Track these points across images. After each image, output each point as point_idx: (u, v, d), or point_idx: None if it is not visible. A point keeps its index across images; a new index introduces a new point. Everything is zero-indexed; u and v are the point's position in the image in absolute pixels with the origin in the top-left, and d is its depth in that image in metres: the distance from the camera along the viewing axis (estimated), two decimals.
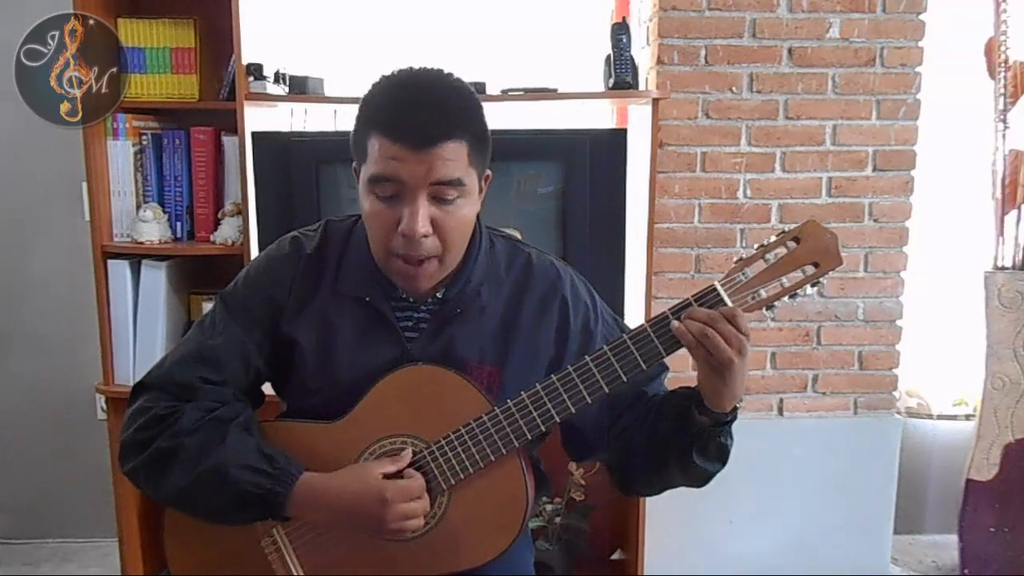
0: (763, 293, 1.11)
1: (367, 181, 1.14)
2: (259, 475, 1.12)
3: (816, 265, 1.11)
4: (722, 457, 1.18)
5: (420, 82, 1.14)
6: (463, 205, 1.15)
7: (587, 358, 1.14)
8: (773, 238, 1.12)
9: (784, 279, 1.11)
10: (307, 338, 1.22)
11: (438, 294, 1.24)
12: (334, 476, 1.15)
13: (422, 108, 1.11)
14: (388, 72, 1.17)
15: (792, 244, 1.11)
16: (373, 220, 1.16)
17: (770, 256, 1.11)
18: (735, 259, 1.13)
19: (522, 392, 1.15)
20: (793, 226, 1.13)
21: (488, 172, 1.22)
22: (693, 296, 1.11)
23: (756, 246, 1.13)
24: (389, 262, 1.17)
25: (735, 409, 1.14)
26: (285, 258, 1.26)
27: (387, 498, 1.11)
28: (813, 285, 1.12)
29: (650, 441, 1.21)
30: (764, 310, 1.12)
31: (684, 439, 1.16)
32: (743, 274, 1.11)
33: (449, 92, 1.14)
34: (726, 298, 1.10)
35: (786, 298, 1.12)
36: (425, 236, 1.13)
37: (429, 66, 1.17)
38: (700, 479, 1.22)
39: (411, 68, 1.16)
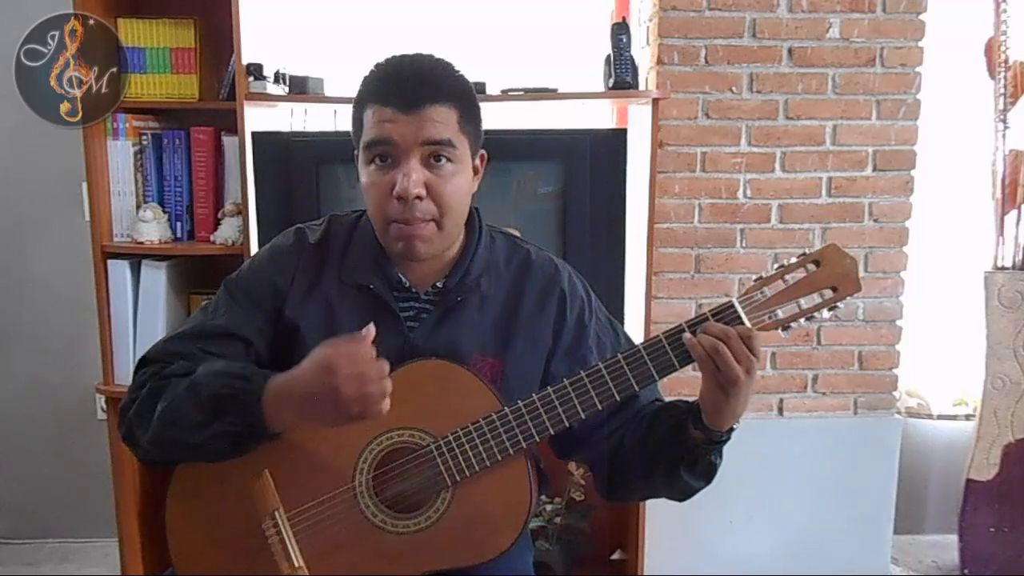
0: (780, 313, 1.12)
1: (363, 150, 1.19)
2: (231, 378, 1.13)
3: (834, 289, 1.12)
4: (709, 475, 1.20)
5: (407, 57, 1.21)
6: (457, 171, 1.19)
7: (600, 364, 1.15)
8: (793, 259, 1.13)
9: (801, 301, 1.12)
10: (310, 325, 1.24)
11: (439, 283, 1.26)
12: (296, 368, 1.12)
13: (410, 75, 1.17)
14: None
15: (812, 267, 1.12)
16: (370, 189, 1.19)
17: (789, 277, 1.12)
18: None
19: (533, 394, 1.16)
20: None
21: (483, 152, 1.26)
22: (710, 311, 1.12)
23: (776, 266, 1.14)
24: (388, 231, 1.20)
25: (731, 429, 1.15)
26: (289, 248, 1.29)
27: (332, 365, 1.05)
28: (830, 309, 1.12)
29: (641, 448, 1.22)
30: (780, 331, 1.13)
31: (675, 452, 1.17)
32: (761, 293, 1.12)
33: (435, 63, 1.20)
34: (743, 316, 1.11)
35: (802, 320, 1.13)
36: (419, 198, 1.16)
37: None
38: (683, 493, 1.23)
39: (410, 53, 1.22)
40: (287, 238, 1.31)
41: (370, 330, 1.09)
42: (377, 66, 1.21)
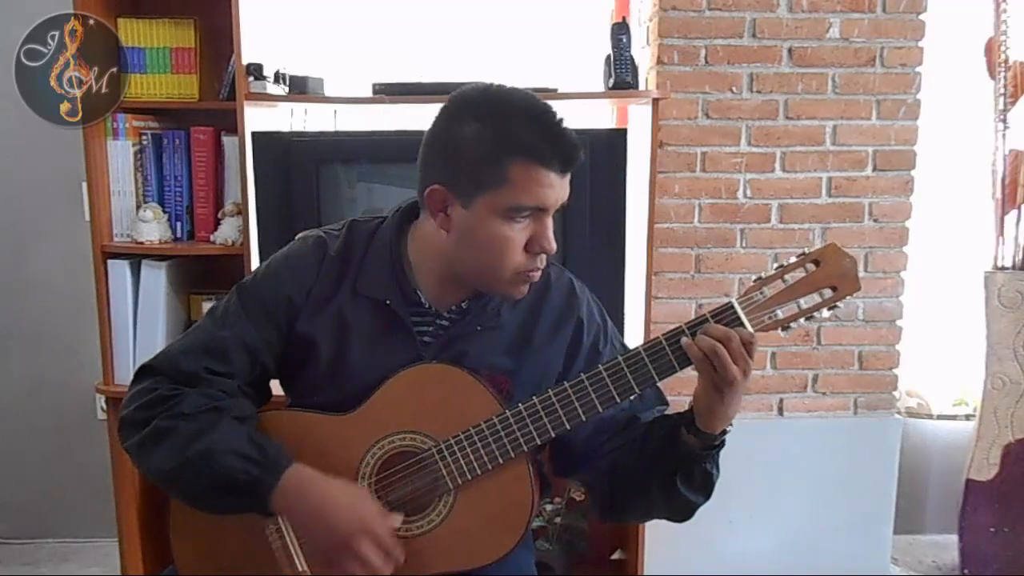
0: (780, 313, 1.11)
1: (508, 208, 1.11)
2: (247, 462, 1.12)
3: (834, 289, 1.11)
4: (706, 489, 1.19)
5: (550, 109, 1.13)
6: None
7: (600, 367, 1.14)
8: (793, 259, 1.13)
9: (801, 301, 1.12)
10: (324, 337, 1.22)
11: (462, 303, 1.25)
12: (328, 478, 1.14)
13: (566, 136, 1.12)
14: (497, 89, 1.16)
15: (811, 267, 1.12)
16: (506, 243, 1.13)
17: (788, 277, 1.12)
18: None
19: (534, 396, 1.15)
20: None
21: None
22: (710, 312, 1.12)
23: (775, 266, 1.13)
24: (513, 280, 1.17)
25: (724, 434, 1.15)
26: (307, 258, 1.25)
27: (369, 526, 1.11)
28: (830, 309, 1.12)
29: (637, 463, 1.21)
30: (780, 331, 1.13)
31: (670, 462, 1.17)
32: (761, 293, 1.11)
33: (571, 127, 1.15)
34: (743, 316, 1.10)
35: (802, 320, 1.12)
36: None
37: (515, 86, 1.18)
38: (682, 510, 1.22)
39: (519, 89, 1.16)
40: (306, 247, 1.26)
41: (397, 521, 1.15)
42: (526, 112, 1.13)
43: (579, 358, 1.27)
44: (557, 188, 1.12)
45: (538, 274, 1.18)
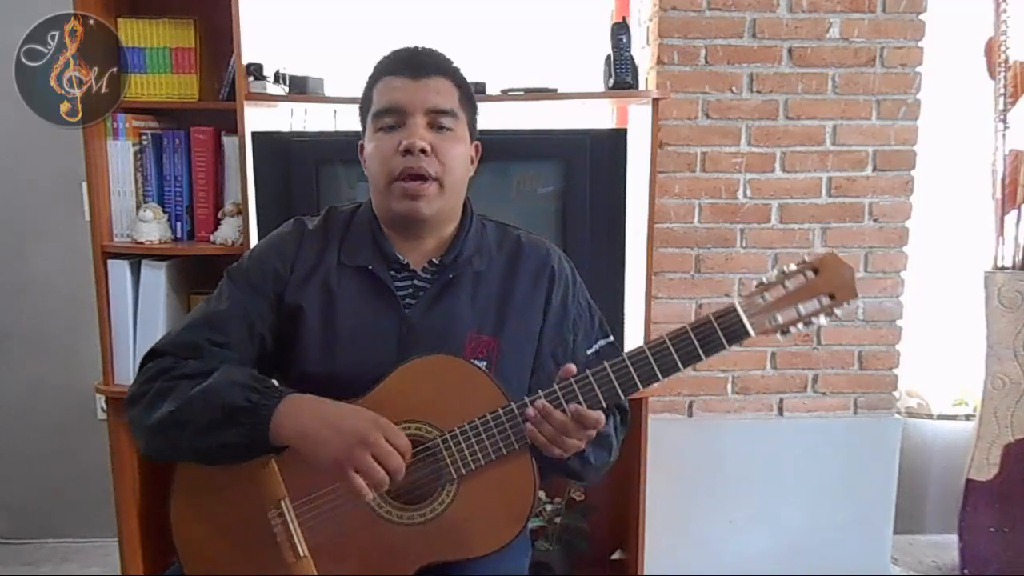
0: (780, 318, 1.15)
1: (372, 120, 1.28)
2: (247, 390, 1.16)
3: (832, 296, 1.15)
4: (607, 448, 1.27)
5: (413, 46, 1.33)
6: (458, 139, 1.28)
7: (606, 364, 1.17)
8: (793, 267, 1.17)
9: (800, 306, 1.15)
10: (311, 305, 1.28)
11: (434, 260, 1.31)
12: (324, 399, 1.18)
13: (416, 50, 1.30)
14: None
15: (810, 274, 1.16)
16: (375, 152, 1.27)
17: (788, 283, 1.15)
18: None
19: (539, 390, 1.18)
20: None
21: (477, 142, 1.34)
22: (713, 314, 1.15)
23: (776, 272, 1.17)
24: (391, 190, 1.26)
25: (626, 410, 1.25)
26: (288, 234, 1.35)
27: (381, 423, 1.13)
28: (827, 315, 1.16)
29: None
30: (779, 335, 1.16)
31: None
32: (762, 297, 1.15)
33: (437, 50, 1.32)
34: (745, 319, 1.14)
35: (800, 325, 1.16)
36: (424, 152, 1.23)
37: None
38: (589, 472, 1.28)
39: None
40: (287, 226, 1.38)
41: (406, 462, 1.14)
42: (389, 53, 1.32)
43: (551, 312, 1.33)
44: (410, 90, 1.25)
45: (417, 185, 1.23)
